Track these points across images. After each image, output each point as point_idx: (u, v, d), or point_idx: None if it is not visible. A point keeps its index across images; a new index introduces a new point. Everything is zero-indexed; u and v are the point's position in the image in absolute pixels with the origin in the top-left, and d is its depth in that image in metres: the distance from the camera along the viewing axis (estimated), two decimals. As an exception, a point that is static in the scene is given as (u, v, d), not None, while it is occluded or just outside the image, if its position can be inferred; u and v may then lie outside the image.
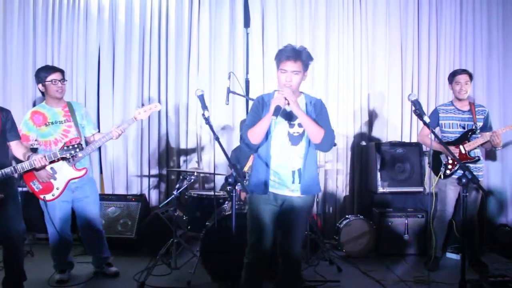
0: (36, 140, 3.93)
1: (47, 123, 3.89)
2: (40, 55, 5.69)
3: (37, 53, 5.70)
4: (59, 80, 3.88)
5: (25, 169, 3.45)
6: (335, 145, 4.98)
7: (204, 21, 5.71)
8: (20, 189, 4.95)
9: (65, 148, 3.41)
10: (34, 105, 5.67)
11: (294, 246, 3.04)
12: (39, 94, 5.61)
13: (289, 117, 2.97)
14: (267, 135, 2.96)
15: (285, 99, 2.81)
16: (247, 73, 5.25)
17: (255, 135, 2.91)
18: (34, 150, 4.08)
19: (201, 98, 3.02)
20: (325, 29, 5.75)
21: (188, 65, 5.74)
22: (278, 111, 2.80)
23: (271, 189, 2.98)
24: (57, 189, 3.86)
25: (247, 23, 5.31)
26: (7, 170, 3.32)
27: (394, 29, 5.79)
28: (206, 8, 5.71)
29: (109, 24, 5.70)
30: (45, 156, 3.45)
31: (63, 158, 3.60)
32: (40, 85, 3.91)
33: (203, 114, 2.94)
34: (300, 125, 2.97)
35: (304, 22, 5.75)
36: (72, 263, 4.22)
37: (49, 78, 3.85)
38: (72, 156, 3.53)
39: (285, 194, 2.99)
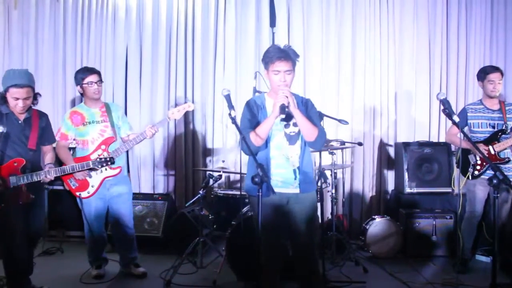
0: (74, 139, 4.04)
1: (85, 123, 4.01)
2: (70, 56, 5.83)
3: (66, 54, 5.83)
4: (95, 82, 3.98)
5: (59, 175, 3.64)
6: (361, 144, 5.00)
7: (230, 21, 5.73)
8: (50, 187, 5.11)
9: (98, 160, 3.64)
10: (64, 104, 5.81)
11: (310, 245, 3.06)
12: (69, 94, 5.80)
13: (285, 117, 3.01)
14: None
15: (287, 97, 2.85)
16: (273, 72, 5.24)
17: (260, 136, 2.93)
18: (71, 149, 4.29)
19: (228, 97, 3.04)
20: (352, 28, 5.70)
21: (214, 65, 5.77)
22: (284, 110, 2.86)
23: (275, 189, 2.92)
24: (92, 187, 3.95)
25: (273, 23, 5.31)
26: (42, 173, 3.48)
27: (421, 27, 5.69)
28: (232, 8, 5.73)
29: (136, 25, 5.78)
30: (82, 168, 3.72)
31: (92, 169, 3.79)
32: (78, 87, 4.03)
33: (230, 114, 2.94)
34: (295, 125, 3.02)
35: (330, 21, 5.70)
36: (107, 259, 4.32)
37: (85, 80, 3.96)
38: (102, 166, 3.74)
39: (289, 192, 3.02)
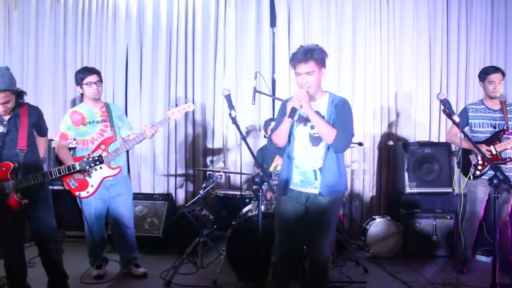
0: (74, 139, 4.03)
1: (85, 123, 4.00)
2: (70, 56, 5.84)
3: (67, 54, 5.84)
4: (95, 83, 3.97)
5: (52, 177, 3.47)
6: (361, 144, 4.99)
7: (230, 21, 5.73)
8: (50, 187, 5.09)
9: (85, 161, 3.47)
10: (64, 104, 5.82)
11: (320, 246, 3.03)
12: (70, 94, 5.80)
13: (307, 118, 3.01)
14: (290, 136, 3.02)
15: (299, 101, 2.86)
16: (273, 72, 5.25)
17: (277, 137, 3.02)
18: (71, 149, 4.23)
19: (228, 97, 3.05)
20: (352, 28, 5.69)
21: (214, 65, 5.77)
22: (293, 113, 2.87)
23: (295, 187, 3.03)
24: (91, 186, 3.94)
25: (273, 23, 5.31)
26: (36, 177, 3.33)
27: (422, 28, 5.69)
28: (232, 8, 5.72)
29: (136, 25, 5.78)
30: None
31: (81, 170, 3.61)
32: (78, 87, 4.01)
33: (230, 114, 2.96)
34: None
35: (330, 21, 5.70)
36: (107, 259, 4.32)
37: (85, 81, 3.95)
38: (90, 168, 3.55)
39: (308, 192, 3.02)
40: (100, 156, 3.53)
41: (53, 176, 3.46)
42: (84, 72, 4.00)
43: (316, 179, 3.00)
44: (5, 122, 3.32)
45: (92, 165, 3.48)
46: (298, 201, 3.04)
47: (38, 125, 3.58)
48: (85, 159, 3.49)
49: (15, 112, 3.36)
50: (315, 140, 3.01)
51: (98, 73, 4.05)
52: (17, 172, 3.30)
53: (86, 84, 3.95)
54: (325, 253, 3.04)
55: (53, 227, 3.56)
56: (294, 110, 2.86)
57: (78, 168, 3.49)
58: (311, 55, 2.93)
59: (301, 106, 2.87)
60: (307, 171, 3.01)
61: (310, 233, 3.04)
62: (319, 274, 3.07)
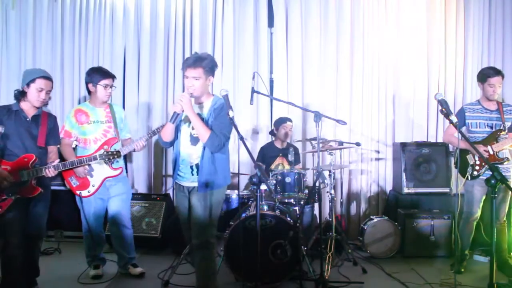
0: (76, 138, 4.05)
1: (89, 122, 4.03)
2: (68, 56, 5.83)
3: (64, 54, 5.84)
4: (110, 86, 4.03)
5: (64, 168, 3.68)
6: (359, 145, 4.99)
7: (228, 21, 5.73)
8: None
9: (105, 153, 3.65)
10: (62, 104, 5.82)
11: (202, 232, 3.26)
12: (67, 94, 5.79)
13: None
14: (177, 134, 3.34)
15: (181, 105, 3.13)
16: (271, 72, 5.25)
17: (163, 135, 3.34)
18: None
19: (226, 98, 3.07)
20: (350, 28, 5.69)
21: (212, 65, 5.76)
22: (174, 117, 3.16)
23: (178, 181, 3.39)
24: (92, 186, 3.97)
25: (271, 23, 5.30)
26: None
27: (420, 28, 5.69)
28: (230, 8, 5.72)
29: (134, 26, 5.78)
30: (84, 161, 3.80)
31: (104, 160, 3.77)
32: (90, 85, 4.02)
33: (228, 114, 2.96)
34: None
35: (328, 21, 5.70)
36: (105, 259, 4.32)
37: (102, 83, 3.99)
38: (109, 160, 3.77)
39: (187, 185, 3.34)
40: (118, 150, 3.70)
41: (74, 166, 3.77)
42: (103, 74, 4.03)
43: (192, 174, 3.29)
44: (28, 119, 3.52)
45: (111, 157, 3.68)
46: (183, 193, 3.37)
47: (54, 132, 3.70)
48: (104, 152, 3.68)
49: (39, 110, 3.58)
50: (194, 140, 3.28)
51: (115, 77, 4.13)
52: (35, 165, 3.48)
53: (104, 86, 3.99)
54: (208, 237, 3.27)
55: (45, 227, 3.73)
56: (175, 114, 3.14)
57: (98, 159, 3.70)
58: (200, 62, 3.17)
59: (183, 110, 3.14)
60: (186, 167, 3.29)
61: (193, 220, 3.28)
62: (204, 257, 3.30)
